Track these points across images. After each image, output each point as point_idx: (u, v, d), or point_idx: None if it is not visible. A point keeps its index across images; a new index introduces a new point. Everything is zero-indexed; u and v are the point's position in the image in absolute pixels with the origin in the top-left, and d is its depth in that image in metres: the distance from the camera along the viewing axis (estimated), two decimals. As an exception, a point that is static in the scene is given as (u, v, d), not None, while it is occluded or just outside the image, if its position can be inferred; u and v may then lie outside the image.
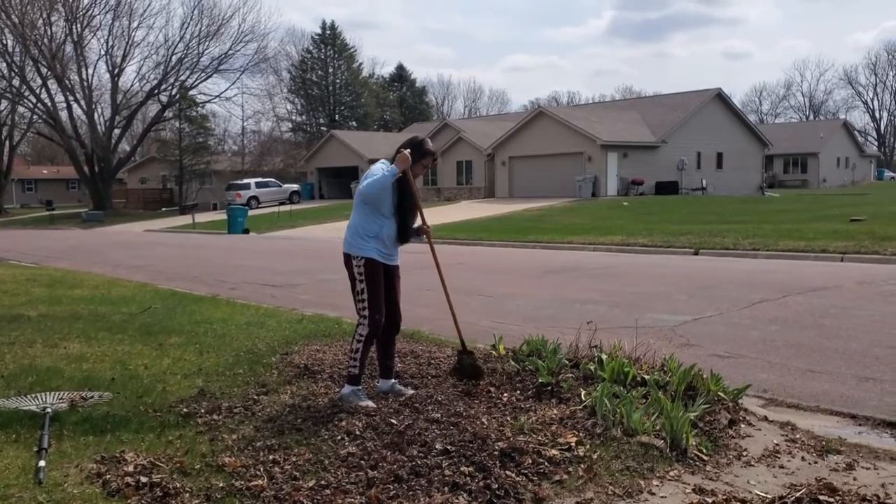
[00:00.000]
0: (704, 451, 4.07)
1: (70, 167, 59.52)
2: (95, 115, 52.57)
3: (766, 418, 4.81)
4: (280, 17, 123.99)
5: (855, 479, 3.80)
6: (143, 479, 3.37)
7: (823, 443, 4.33)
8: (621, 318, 8.31)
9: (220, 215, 37.79)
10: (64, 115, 51.89)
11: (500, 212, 30.89)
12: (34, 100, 50.94)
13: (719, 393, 4.76)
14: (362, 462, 3.62)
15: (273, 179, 50.75)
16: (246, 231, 30.07)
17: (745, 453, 4.15)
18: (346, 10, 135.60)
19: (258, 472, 3.52)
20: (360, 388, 4.83)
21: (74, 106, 51.85)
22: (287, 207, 41.86)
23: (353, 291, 4.86)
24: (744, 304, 9.15)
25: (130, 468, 3.52)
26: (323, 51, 77.81)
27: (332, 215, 33.45)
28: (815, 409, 5.13)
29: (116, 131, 54.31)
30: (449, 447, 3.72)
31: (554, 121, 39.42)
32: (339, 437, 4.02)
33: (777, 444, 4.30)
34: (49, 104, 50.44)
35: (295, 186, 51.06)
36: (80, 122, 52.90)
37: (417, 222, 5.07)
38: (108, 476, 3.51)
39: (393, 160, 4.83)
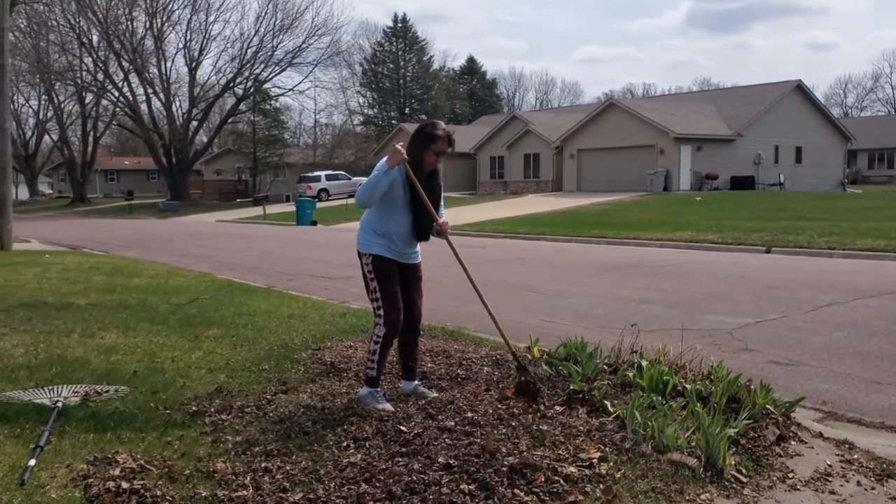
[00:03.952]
0: (744, 471, 3.67)
1: (150, 158, 61.26)
2: (173, 108, 53.95)
3: (820, 435, 4.36)
4: (353, 11, 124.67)
5: (917, 510, 3.37)
6: (125, 485, 3.18)
7: (885, 465, 3.88)
8: (677, 320, 7.86)
9: (291, 207, 38.25)
10: (144, 107, 53.50)
11: (566, 206, 30.30)
12: (116, 93, 52.64)
13: (767, 406, 4.34)
14: (358, 474, 3.36)
15: (343, 172, 51.08)
16: (314, 223, 30.32)
17: (791, 475, 3.73)
18: (417, 3, 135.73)
19: (245, 482, 3.29)
20: (378, 390, 4.58)
21: (154, 99, 53.42)
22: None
23: (366, 290, 4.62)
24: (811, 306, 8.56)
25: (117, 471, 3.33)
26: (394, 44, 78.09)
27: (398, 208, 33.31)
28: (879, 426, 4.66)
29: (193, 123, 55.59)
30: (452, 461, 3.40)
31: (625, 112, 38.44)
32: (344, 444, 3.77)
33: (830, 466, 3.87)
34: (130, 97, 51.94)
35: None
36: (159, 114, 54.37)
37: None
38: (93, 479, 3.34)
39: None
